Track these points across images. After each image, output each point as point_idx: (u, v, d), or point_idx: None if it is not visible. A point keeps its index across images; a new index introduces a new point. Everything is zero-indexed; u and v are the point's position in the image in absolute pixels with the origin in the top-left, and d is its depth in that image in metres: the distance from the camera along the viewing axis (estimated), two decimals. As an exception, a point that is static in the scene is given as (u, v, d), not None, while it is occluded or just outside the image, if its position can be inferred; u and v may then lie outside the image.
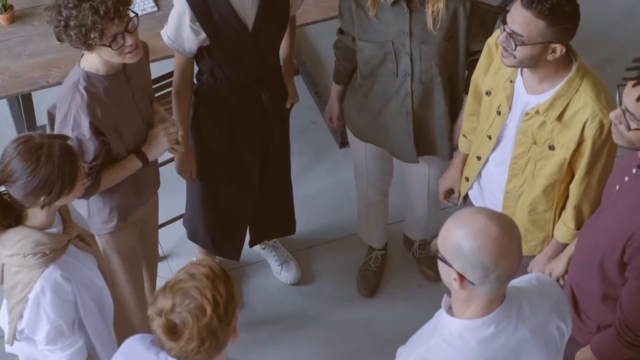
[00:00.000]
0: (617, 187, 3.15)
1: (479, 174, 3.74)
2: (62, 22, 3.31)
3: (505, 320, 2.67)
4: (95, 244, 3.38)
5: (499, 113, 3.53)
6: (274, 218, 4.47)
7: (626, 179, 3.11)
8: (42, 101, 4.85)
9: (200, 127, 4.05)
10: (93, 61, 3.45)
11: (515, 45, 3.25)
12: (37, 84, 4.29)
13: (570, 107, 3.36)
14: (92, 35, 3.28)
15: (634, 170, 3.07)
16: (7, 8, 4.49)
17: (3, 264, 3.17)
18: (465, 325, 2.66)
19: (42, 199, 3.02)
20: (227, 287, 2.54)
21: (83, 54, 3.48)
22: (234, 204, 4.25)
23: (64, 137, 3.12)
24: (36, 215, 3.10)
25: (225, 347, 2.60)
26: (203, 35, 3.76)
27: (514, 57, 3.28)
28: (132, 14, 3.38)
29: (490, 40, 3.60)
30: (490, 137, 3.60)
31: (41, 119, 4.89)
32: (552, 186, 3.51)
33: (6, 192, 3.07)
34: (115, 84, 3.51)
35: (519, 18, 3.24)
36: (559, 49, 3.27)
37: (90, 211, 3.70)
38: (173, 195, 4.54)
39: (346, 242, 4.86)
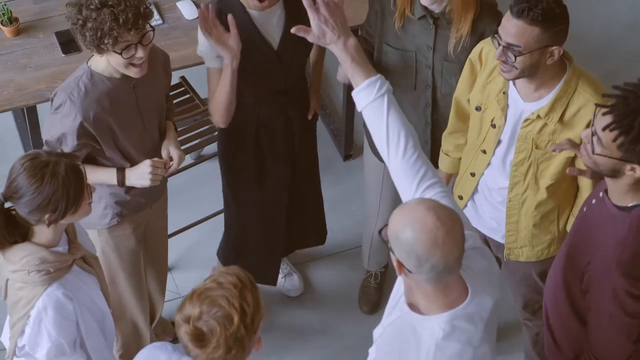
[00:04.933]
0: (585, 209, 3.15)
1: (475, 190, 3.74)
2: (80, 21, 3.32)
3: (478, 295, 2.75)
4: (98, 267, 3.38)
5: (493, 126, 3.53)
6: (305, 229, 4.46)
7: (593, 201, 3.10)
8: (47, 113, 4.85)
9: (227, 140, 4.05)
10: (101, 62, 3.48)
11: (515, 57, 3.26)
12: (42, 97, 4.30)
13: (570, 107, 3.38)
14: (105, 41, 3.30)
15: (600, 194, 3.06)
16: (12, 21, 4.50)
17: (7, 279, 3.17)
18: (451, 315, 2.71)
19: (47, 216, 3.03)
20: (254, 296, 2.59)
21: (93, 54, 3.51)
22: (266, 227, 4.24)
23: (72, 156, 3.14)
24: (42, 232, 3.11)
25: (249, 355, 2.65)
26: None
27: (516, 68, 3.30)
28: (148, 28, 3.40)
29: (473, 56, 3.60)
30: (485, 152, 3.60)
31: (46, 131, 4.91)
32: (556, 186, 3.53)
33: (13, 207, 3.09)
34: (119, 87, 3.52)
35: (513, 29, 3.25)
36: (557, 51, 3.29)
37: None
38: (179, 207, 4.55)
39: (349, 255, 4.86)
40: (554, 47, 3.27)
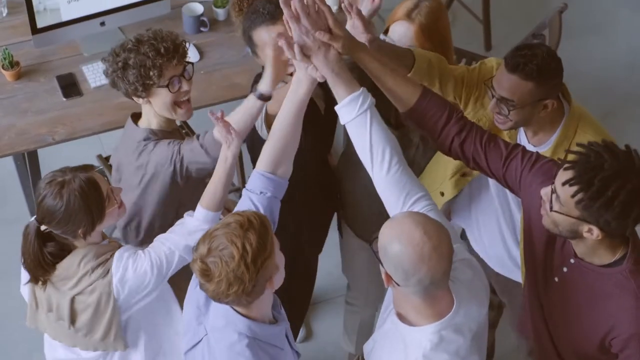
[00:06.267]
0: (557, 279, 3.11)
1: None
2: (120, 64, 3.36)
3: (464, 306, 2.78)
4: None
5: None
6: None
7: (565, 269, 3.07)
8: (47, 155, 4.85)
9: None
10: (151, 120, 3.48)
11: (509, 110, 3.24)
12: (43, 141, 4.30)
13: (572, 148, 3.35)
14: (151, 74, 3.33)
15: (572, 260, 3.03)
16: (13, 64, 4.50)
17: (72, 299, 3.23)
18: (438, 326, 2.74)
19: (80, 231, 3.15)
20: (260, 237, 2.69)
21: (130, 120, 3.52)
22: (294, 295, 4.01)
23: (86, 168, 3.20)
24: (82, 241, 3.21)
25: (261, 295, 2.75)
26: None
27: (510, 120, 3.28)
28: (187, 63, 3.44)
29: (485, 79, 3.42)
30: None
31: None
32: None
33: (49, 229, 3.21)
34: (174, 134, 3.56)
35: (507, 83, 3.22)
36: (550, 103, 3.27)
37: None
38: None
39: (350, 299, 4.83)
40: (547, 101, 3.27)
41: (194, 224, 3.23)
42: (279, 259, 2.78)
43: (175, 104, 3.44)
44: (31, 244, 3.21)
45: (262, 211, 3.00)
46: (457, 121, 3.06)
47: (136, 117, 3.57)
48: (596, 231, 2.84)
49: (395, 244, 2.65)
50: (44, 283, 3.26)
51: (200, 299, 2.88)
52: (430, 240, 2.63)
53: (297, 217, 3.70)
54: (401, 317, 2.81)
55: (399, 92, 3.05)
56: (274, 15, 3.37)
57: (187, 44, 3.46)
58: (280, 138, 3.02)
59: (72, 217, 3.12)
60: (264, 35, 3.42)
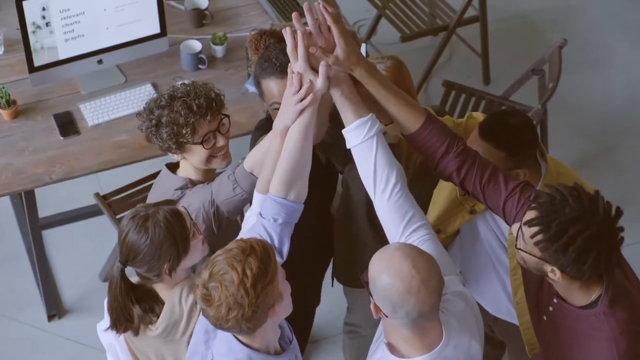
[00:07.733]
0: (545, 318, 3.10)
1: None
2: (154, 121, 3.32)
3: (455, 338, 2.77)
4: None
5: (472, 212, 3.50)
6: None
7: (551, 309, 3.06)
8: (44, 194, 4.83)
9: None
10: (189, 171, 3.44)
11: None
12: (40, 181, 4.26)
13: None
14: (183, 132, 3.29)
15: (555, 300, 3.02)
16: (10, 103, 4.48)
17: (189, 343, 3.15)
18: (427, 359, 2.74)
19: (165, 266, 3.09)
20: (261, 263, 2.69)
21: (166, 169, 3.48)
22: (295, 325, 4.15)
23: (170, 202, 3.17)
24: (167, 280, 3.16)
25: (264, 323, 2.74)
26: None
27: None
28: (223, 116, 3.39)
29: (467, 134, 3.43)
30: (473, 212, 3.55)
31: (43, 211, 4.86)
32: None
33: (142, 282, 3.18)
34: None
35: (478, 149, 3.18)
36: (522, 173, 3.25)
37: None
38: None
39: (351, 337, 4.78)
40: (519, 170, 3.25)
41: (250, 218, 3.12)
42: (284, 288, 2.76)
43: (212, 156, 3.39)
44: (117, 286, 3.12)
45: (275, 240, 2.98)
46: (457, 155, 3.00)
47: (171, 166, 3.52)
48: (558, 273, 2.84)
49: (384, 276, 2.66)
50: (125, 331, 3.19)
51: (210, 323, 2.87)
52: (419, 274, 2.64)
53: (298, 267, 3.65)
54: (391, 348, 2.80)
55: (400, 118, 3.00)
56: (285, 69, 3.24)
57: (223, 96, 3.40)
58: (288, 159, 2.97)
59: (157, 250, 3.05)
60: (272, 86, 3.35)
